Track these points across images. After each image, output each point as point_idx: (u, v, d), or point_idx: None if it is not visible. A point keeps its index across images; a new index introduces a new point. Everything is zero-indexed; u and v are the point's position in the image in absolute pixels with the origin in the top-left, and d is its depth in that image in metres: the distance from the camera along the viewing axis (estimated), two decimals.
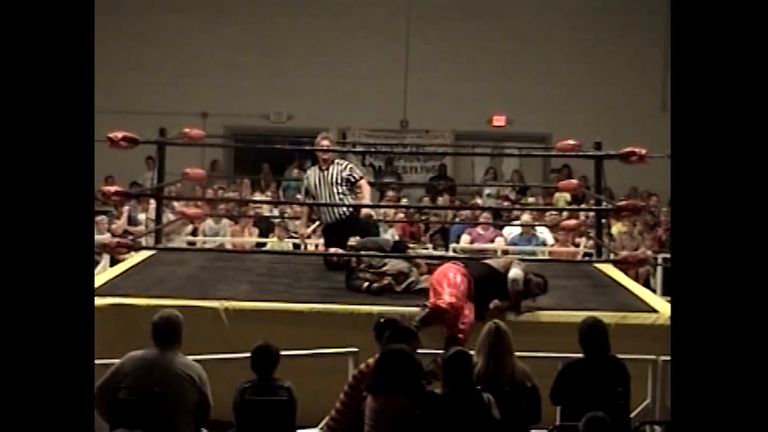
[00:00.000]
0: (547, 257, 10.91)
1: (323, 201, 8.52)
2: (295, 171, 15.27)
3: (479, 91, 16.11)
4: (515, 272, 6.76)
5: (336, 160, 8.67)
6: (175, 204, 10.65)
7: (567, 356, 5.73)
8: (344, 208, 8.55)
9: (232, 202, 12.95)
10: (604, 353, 5.64)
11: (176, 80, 16.00)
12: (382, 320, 5.75)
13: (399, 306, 6.79)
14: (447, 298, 6.31)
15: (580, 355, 5.67)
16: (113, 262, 9.30)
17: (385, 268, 7.52)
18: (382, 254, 7.66)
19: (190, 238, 11.68)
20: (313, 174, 8.68)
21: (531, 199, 14.45)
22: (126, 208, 11.45)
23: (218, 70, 16.08)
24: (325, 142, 8.71)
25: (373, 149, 16.77)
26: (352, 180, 8.61)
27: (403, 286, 7.39)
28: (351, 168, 8.72)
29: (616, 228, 11.98)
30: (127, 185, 12.20)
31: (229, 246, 11.43)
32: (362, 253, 7.76)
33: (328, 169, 8.59)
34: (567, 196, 13.25)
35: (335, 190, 8.53)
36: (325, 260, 8.42)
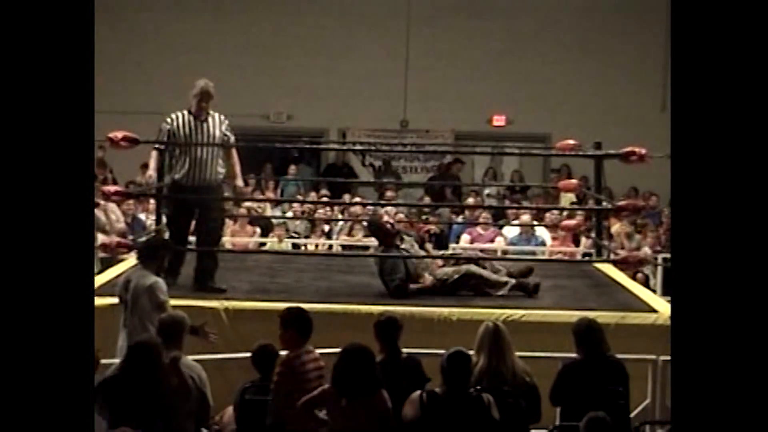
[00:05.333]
0: (546, 257, 10.92)
1: (197, 154, 7.30)
2: (293, 167, 15.30)
3: (479, 91, 16.10)
4: None
5: (211, 111, 7.46)
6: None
7: (567, 356, 5.73)
8: (220, 172, 7.43)
9: (232, 201, 12.93)
10: (603, 353, 5.64)
11: (176, 80, 15.97)
12: (382, 318, 5.76)
13: (398, 306, 6.79)
14: None
15: (579, 356, 5.67)
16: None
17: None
18: (381, 254, 7.65)
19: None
20: (183, 120, 7.36)
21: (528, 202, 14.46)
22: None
23: (218, 70, 16.06)
24: (211, 90, 7.40)
25: (373, 149, 16.77)
26: (227, 141, 7.49)
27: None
28: (228, 126, 7.51)
29: (616, 228, 11.97)
30: (125, 185, 12.17)
31: (229, 246, 11.43)
32: (362, 254, 7.74)
33: (206, 120, 7.40)
34: (572, 196, 13.26)
35: (212, 150, 7.32)
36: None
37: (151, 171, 7.47)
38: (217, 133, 7.41)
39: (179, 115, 7.41)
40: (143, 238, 7.98)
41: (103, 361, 5.35)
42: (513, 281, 7.57)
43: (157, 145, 7.50)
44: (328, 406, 5.13)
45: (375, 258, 7.66)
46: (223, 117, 7.51)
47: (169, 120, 7.41)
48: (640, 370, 6.01)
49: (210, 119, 7.41)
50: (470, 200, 13.56)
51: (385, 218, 7.85)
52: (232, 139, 7.55)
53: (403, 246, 7.60)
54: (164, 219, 8.81)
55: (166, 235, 7.77)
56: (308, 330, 5.43)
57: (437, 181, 15.29)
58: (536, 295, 7.49)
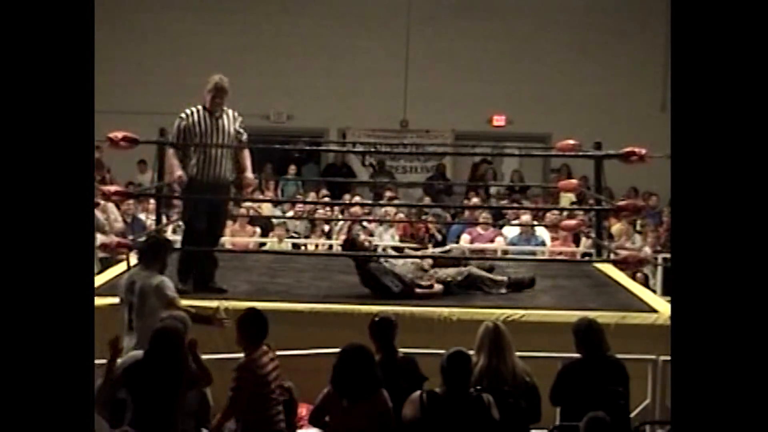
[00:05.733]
0: (546, 257, 10.92)
1: (212, 151, 7.25)
2: (292, 167, 15.31)
3: (479, 91, 16.11)
4: None
5: (225, 107, 7.37)
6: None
7: (567, 356, 5.73)
8: (232, 169, 7.38)
9: (232, 201, 12.94)
10: (603, 353, 5.65)
11: (176, 80, 15.98)
12: (377, 319, 5.75)
13: (398, 306, 6.80)
14: None
15: (580, 355, 5.68)
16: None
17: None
18: (383, 254, 7.65)
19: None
20: (198, 116, 7.25)
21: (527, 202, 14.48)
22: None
23: (218, 70, 15.99)
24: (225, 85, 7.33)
25: (373, 149, 16.77)
26: (241, 138, 7.44)
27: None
28: (241, 123, 7.46)
29: (616, 228, 11.98)
30: (125, 186, 12.17)
31: (229, 246, 11.43)
32: (363, 253, 7.74)
33: (221, 116, 7.30)
34: (572, 196, 13.27)
35: (228, 143, 7.28)
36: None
37: (179, 171, 7.22)
38: (232, 130, 7.34)
39: (194, 110, 7.29)
40: (142, 239, 7.96)
41: (101, 361, 5.35)
42: (506, 278, 7.68)
43: (174, 143, 7.33)
44: (329, 408, 5.13)
45: (357, 271, 7.57)
46: (236, 113, 7.44)
47: (183, 115, 7.29)
48: (640, 370, 6.02)
49: (224, 116, 7.33)
50: (476, 200, 13.57)
51: (362, 237, 7.82)
52: (245, 136, 7.49)
53: (382, 258, 7.56)
54: (165, 218, 8.82)
55: (171, 235, 7.75)
56: (263, 331, 5.36)
57: (435, 181, 15.32)
58: (533, 287, 7.64)
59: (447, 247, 8.73)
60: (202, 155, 7.26)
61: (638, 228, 12.32)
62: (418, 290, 7.30)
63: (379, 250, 7.84)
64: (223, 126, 7.31)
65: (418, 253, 7.86)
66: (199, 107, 7.31)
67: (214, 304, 6.85)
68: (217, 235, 7.62)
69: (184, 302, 6.48)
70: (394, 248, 8.72)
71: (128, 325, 6.01)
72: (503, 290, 7.57)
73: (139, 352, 5.49)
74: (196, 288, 7.27)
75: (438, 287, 7.40)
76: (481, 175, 15.54)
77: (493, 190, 15.27)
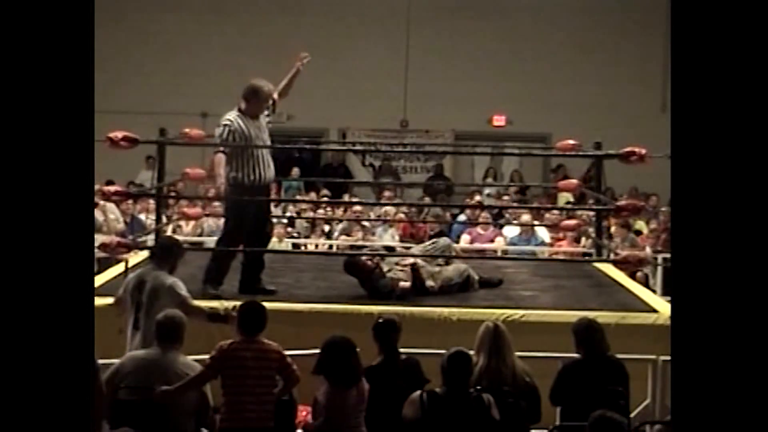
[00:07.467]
0: (546, 257, 10.92)
1: (265, 153, 7.34)
2: (295, 169, 15.30)
3: (479, 91, 16.12)
4: None
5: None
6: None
7: (567, 356, 5.74)
8: (273, 168, 7.43)
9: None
10: (603, 353, 5.65)
11: (176, 80, 16.00)
12: (380, 320, 5.76)
13: (399, 306, 6.80)
14: None
15: (580, 355, 5.68)
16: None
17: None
18: (382, 254, 7.64)
19: (191, 238, 11.66)
20: (242, 123, 7.22)
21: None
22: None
23: (218, 70, 16.08)
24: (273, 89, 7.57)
25: (373, 149, 16.78)
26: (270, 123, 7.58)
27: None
28: (268, 119, 7.54)
29: (615, 227, 11.97)
30: (125, 185, 12.17)
31: None
32: (365, 253, 7.73)
33: (258, 118, 7.36)
34: (569, 196, 13.25)
35: (269, 142, 7.41)
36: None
37: (223, 179, 7.14)
38: (267, 127, 7.42)
39: (233, 118, 7.21)
40: (142, 238, 7.96)
41: (105, 361, 5.36)
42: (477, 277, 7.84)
43: (225, 149, 7.20)
44: (326, 399, 5.17)
45: (363, 288, 7.51)
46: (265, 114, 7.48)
47: (228, 122, 7.19)
48: (640, 370, 6.02)
49: (260, 116, 7.38)
50: (477, 198, 13.56)
51: (363, 258, 7.71)
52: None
53: (387, 272, 7.47)
54: (165, 218, 8.77)
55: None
56: (257, 324, 5.38)
57: (434, 181, 15.32)
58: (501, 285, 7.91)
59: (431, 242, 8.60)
60: (251, 159, 7.22)
61: (636, 228, 12.30)
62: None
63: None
64: (263, 126, 7.38)
65: (407, 252, 7.87)
66: (238, 114, 7.24)
67: (214, 304, 6.85)
68: (269, 234, 7.69)
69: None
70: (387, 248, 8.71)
71: (133, 324, 5.99)
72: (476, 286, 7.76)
73: (141, 352, 5.50)
74: (243, 290, 7.24)
75: (436, 285, 7.44)
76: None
77: (492, 190, 15.28)
